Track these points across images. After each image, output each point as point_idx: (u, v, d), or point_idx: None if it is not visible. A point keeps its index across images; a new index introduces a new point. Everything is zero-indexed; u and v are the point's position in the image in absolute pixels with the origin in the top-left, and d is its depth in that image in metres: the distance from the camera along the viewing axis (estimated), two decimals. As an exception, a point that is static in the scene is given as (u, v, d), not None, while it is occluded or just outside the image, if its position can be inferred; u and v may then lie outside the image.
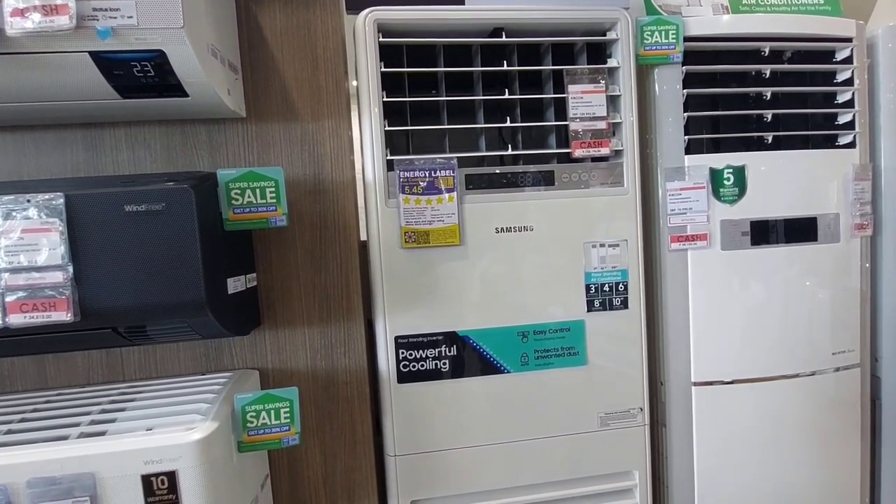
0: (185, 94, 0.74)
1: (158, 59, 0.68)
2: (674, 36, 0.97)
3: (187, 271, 0.67)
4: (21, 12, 0.62)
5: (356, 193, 0.92)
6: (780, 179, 1.01)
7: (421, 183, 0.89)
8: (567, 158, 0.95)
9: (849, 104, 1.05)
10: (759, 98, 1.02)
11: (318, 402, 0.92)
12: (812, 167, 1.03)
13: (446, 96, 0.94)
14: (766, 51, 1.01)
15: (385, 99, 0.89)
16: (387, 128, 0.89)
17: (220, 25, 0.78)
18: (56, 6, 0.63)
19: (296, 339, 0.91)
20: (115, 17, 0.65)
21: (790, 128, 1.04)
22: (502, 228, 0.92)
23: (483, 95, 0.95)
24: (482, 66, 0.94)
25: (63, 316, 0.65)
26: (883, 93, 1.07)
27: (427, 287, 0.91)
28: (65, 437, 0.68)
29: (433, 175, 0.89)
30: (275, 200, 0.76)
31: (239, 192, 0.75)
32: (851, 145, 1.05)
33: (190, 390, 0.80)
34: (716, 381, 1.01)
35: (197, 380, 0.84)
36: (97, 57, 0.66)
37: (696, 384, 1.01)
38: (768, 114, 1.01)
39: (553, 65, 0.96)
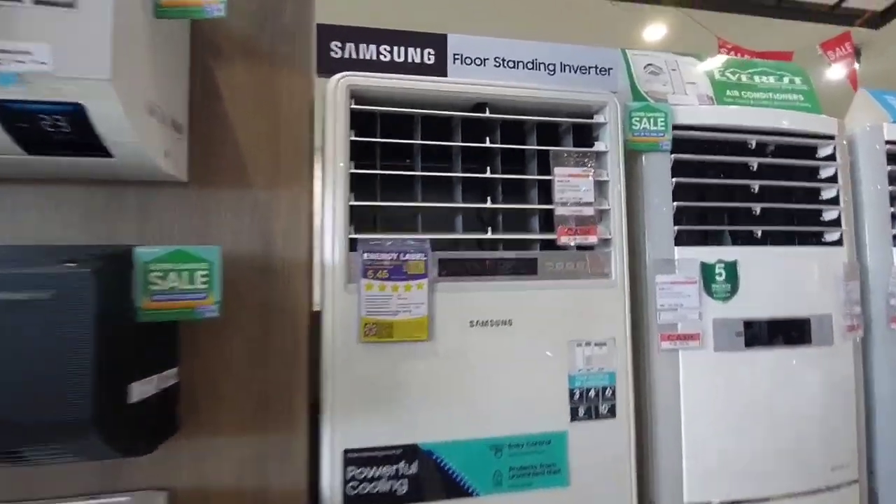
0: (109, 155, 0.62)
1: (76, 115, 0.56)
2: (663, 123, 0.92)
3: (72, 382, 0.51)
4: None
5: (311, 276, 0.79)
6: (771, 276, 0.95)
7: (387, 267, 0.77)
8: (551, 245, 0.86)
9: (833, 201, 1.03)
10: (746, 190, 0.98)
11: (242, 531, 0.74)
12: (801, 264, 0.98)
13: (422, 170, 0.85)
14: (754, 143, 0.98)
15: (352, 170, 0.79)
16: (352, 202, 0.78)
17: (165, 78, 0.68)
18: (-57, 43, 0.51)
19: (221, 450, 0.74)
20: (24, 62, 0.53)
21: (778, 222, 1.00)
22: (477, 322, 0.81)
23: (462, 172, 0.86)
24: (462, 141, 0.87)
25: None
26: (865, 192, 1.05)
27: (386, 389, 0.77)
28: None
29: (402, 258, 0.78)
30: (206, 286, 0.63)
31: (161, 274, 0.61)
32: (838, 243, 1.01)
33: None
34: (711, 503, 0.89)
35: (83, 508, 0.65)
36: (-7, 106, 0.54)
37: (689, 505, 0.89)
38: (757, 207, 0.97)
39: (538, 144, 0.90)
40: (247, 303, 0.76)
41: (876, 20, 2.19)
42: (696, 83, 1.05)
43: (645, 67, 1.04)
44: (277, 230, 0.78)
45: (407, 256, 0.78)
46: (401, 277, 0.78)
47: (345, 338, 0.76)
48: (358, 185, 0.84)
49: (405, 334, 0.77)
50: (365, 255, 0.77)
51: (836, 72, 2.45)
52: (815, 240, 1.02)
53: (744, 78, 1.09)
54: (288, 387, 0.76)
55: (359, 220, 0.82)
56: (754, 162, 0.98)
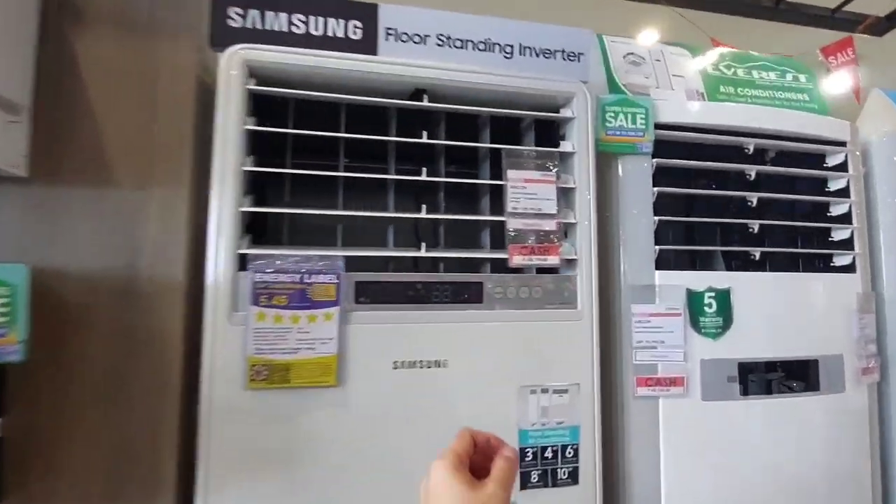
0: None
1: None
2: (642, 120, 0.77)
3: None
4: None
5: (196, 301, 0.62)
6: (771, 308, 0.79)
7: (286, 291, 0.61)
8: (502, 267, 0.69)
9: (845, 219, 0.87)
10: (743, 204, 0.82)
11: None
12: (807, 294, 0.82)
13: (349, 170, 0.69)
14: (751, 148, 0.83)
15: (246, 167, 0.62)
16: (243, 207, 0.62)
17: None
18: None
19: (55, 529, 0.56)
20: None
21: (779, 243, 0.84)
22: (403, 363, 0.64)
23: (396, 174, 0.70)
24: (400, 135, 0.70)
25: None
26: (882, 209, 0.90)
27: (279, 450, 0.60)
28: None
29: (306, 280, 0.61)
30: (6, 319, 0.46)
31: (-66, 303, 0.44)
32: (850, 269, 0.86)
33: None
34: (697, 588, 0.72)
35: None
36: None
37: (669, 590, 0.72)
38: (755, 224, 0.81)
39: (491, 142, 0.74)
40: (101, 334, 0.59)
41: (880, 26, 2.06)
42: (683, 76, 0.90)
43: (625, 57, 0.88)
44: (146, 241, 0.61)
45: (313, 278, 0.61)
46: (304, 305, 0.61)
47: (227, 383, 0.59)
48: (264, 188, 0.68)
49: (306, 378, 0.60)
50: (257, 275, 0.60)
51: (835, 83, 2.31)
52: (823, 265, 0.87)
53: (740, 73, 0.94)
54: (152, 443, 0.59)
55: (260, 232, 0.66)
56: (752, 170, 0.82)
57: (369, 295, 0.64)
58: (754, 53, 0.98)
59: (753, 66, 0.95)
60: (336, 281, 0.62)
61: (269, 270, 0.60)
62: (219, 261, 0.60)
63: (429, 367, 0.64)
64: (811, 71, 0.98)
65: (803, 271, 0.85)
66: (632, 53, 0.89)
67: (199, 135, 0.64)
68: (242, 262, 0.61)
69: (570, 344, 0.70)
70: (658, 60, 0.90)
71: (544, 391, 0.68)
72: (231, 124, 0.62)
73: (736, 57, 0.96)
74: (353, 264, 0.64)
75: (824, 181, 0.89)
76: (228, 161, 0.62)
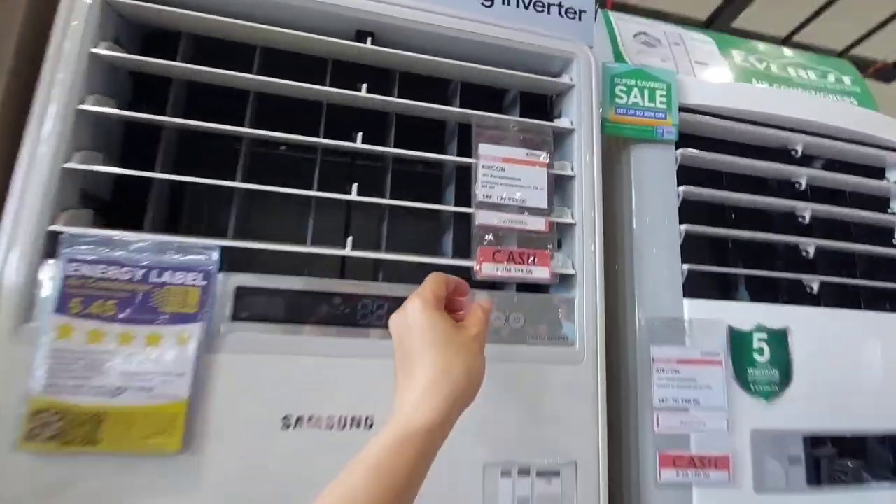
0: None
1: None
2: (663, 98, 0.58)
3: None
4: None
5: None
6: (841, 358, 0.57)
7: (116, 293, 0.38)
8: (468, 280, 0.48)
9: (918, 247, 0.67)
10: (791, 218, 0.62)
11: None
12: (883, 339, 0.60)
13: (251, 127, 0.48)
14: (799, 149, 0.64)
15: (84, 106, 0.41)
16: (69, 163, 0.40)
17: None
18: None
19: None
20: None
21: (835, 272, 0.63)
22: (301, 419, 0.40)
23: (327, 138, 0.50)
24: (331, 86, 0.51)
25: None
26: (963, 237, 0.70)
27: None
28: None
29: (152, 279, 0.39)
30: None
31: None
32: (931, 312, 0.65)
33: None
34: None
35: None
36: None
37: None
38: (810, 245, 0.61)
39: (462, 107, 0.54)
40: None
41: (888, 72, 1.98)
42: (707, 64, 0.72)
43: (635, 36, 0.71)
44: None
45: (164, 277, 0.39)
46: (143, 318, 0.38)
47: (-9, 441, 0.35)
48: (139, 151, 0.47)
49: (130, 440, 0.37)
50: (71, 264, 0.38)
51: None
52: (891, 304, 0.66)
53: (775, 68, 0.77)
54: None
55: (116, 212, 0.45)
56: (803, 175, 0.63)
57: (255, 308, 0.41)
58: (788, 51, 0.82)
59: (789, 62, 0.79)
60: (201, 283, 0.40)
61: (93, 259, 0.38)
62: (15, 240, 0.38)
63: (343, 428, 0.41)
64: (855, 72, 0.82)
65: (866, 309, 0.64)
66: (644, 33, 0.72)
67: (31, 66, 0.44)
68: (51, 246, 0.39)
69: (564, 400, 0.47)
70: (677, 44, 0.73)
71: (523, 473, 0.44)
72: (69, 45, 0.42)
73: (769, 52, 0.80)
74: (238, 262, 0.42)
75: (885, 200, 0.70)
76: (56, 96, 0.41)
